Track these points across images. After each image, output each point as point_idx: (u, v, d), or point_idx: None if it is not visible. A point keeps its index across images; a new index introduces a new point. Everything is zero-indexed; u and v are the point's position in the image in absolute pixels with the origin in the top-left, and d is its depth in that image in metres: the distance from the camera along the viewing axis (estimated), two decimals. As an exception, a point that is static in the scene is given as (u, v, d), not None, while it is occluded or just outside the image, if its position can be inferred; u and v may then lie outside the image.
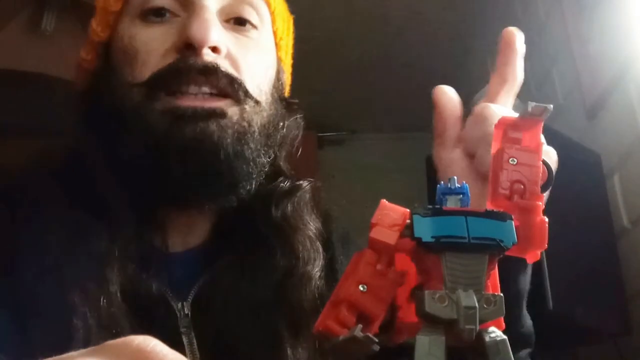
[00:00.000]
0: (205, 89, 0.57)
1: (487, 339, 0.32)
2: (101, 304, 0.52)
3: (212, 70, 0.57)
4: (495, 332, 0.33)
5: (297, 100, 0.70)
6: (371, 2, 2.25)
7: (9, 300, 0.51)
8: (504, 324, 0.35)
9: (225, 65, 0.59)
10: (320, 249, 0.62)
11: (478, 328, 0.32)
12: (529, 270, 0.58)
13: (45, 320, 0.51)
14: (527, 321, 0.60)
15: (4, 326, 0.50)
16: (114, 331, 0.50)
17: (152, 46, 0.59)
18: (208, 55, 0.58)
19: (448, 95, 0.55)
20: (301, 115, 0.69)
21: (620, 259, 1.37)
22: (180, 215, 0.62)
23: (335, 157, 2.92)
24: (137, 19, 0.61)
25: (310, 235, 0.63)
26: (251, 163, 0.59)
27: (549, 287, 1.21)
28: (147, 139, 0.57)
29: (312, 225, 0.64)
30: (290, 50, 0.73)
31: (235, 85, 0.59)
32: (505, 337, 0.33)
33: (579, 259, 1.28)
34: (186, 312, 0.58)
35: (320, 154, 2.76)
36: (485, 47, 2.30)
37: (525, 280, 0.58)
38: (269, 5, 0.66)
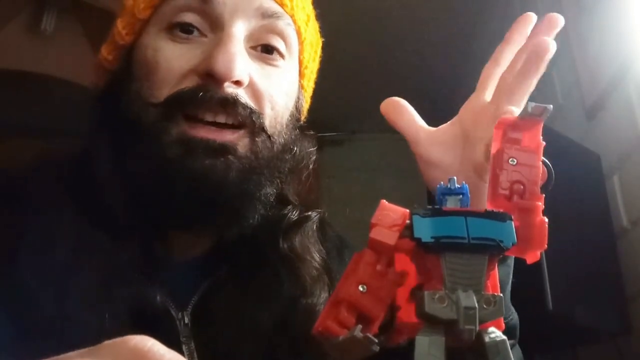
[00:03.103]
0: (222, 118, 0.57)
1: (486, 339, 0.32)
2: (105, 313, 0.51)
3: (231, 102, 0.57)
4: (495, 333, 0.33)
5: (312, 132, 0.70)
6: (371, 3, 2.25)
7: (10, 309, 0.51)
8: (503, 324, 0.35)
9: (245, 97, 0.58)
10: (327, 280, 0.63)
11: (478, 328, 0.32)
12: (510, 262, 0.57)
13: (44, 328, 0.50)
14: (514, 314, 0.60)
15: (5, 329, 0.50)
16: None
17: (174, 64, 0.58)
18: (229, 88, 0.57)
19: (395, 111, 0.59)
20: (315, 147, 0.69)
21: (619, 259, 1.37)
22: (183, 231, 0.62)
23: (335, 157, 2.92)
24: (163, 31, 0.60)
25: (317, 266, 0.63)
26: (255, 199, 0.59)
27: (548, 287, 1.21)
28: (157, 161, 0.56)
29: (318, 256, 0.64)
30: (314, 76, 0.72)
31: (254, 118, 0.58)
32: (505, 337, 0.33)
33: (578, 259, 1.28)
34: (186, 321, 0.58)
35: (320, 155, 2.75)
36: (484, 48, 2.29)
37: (505, 272, 0.57)
38: (299, 35, 0.65)
